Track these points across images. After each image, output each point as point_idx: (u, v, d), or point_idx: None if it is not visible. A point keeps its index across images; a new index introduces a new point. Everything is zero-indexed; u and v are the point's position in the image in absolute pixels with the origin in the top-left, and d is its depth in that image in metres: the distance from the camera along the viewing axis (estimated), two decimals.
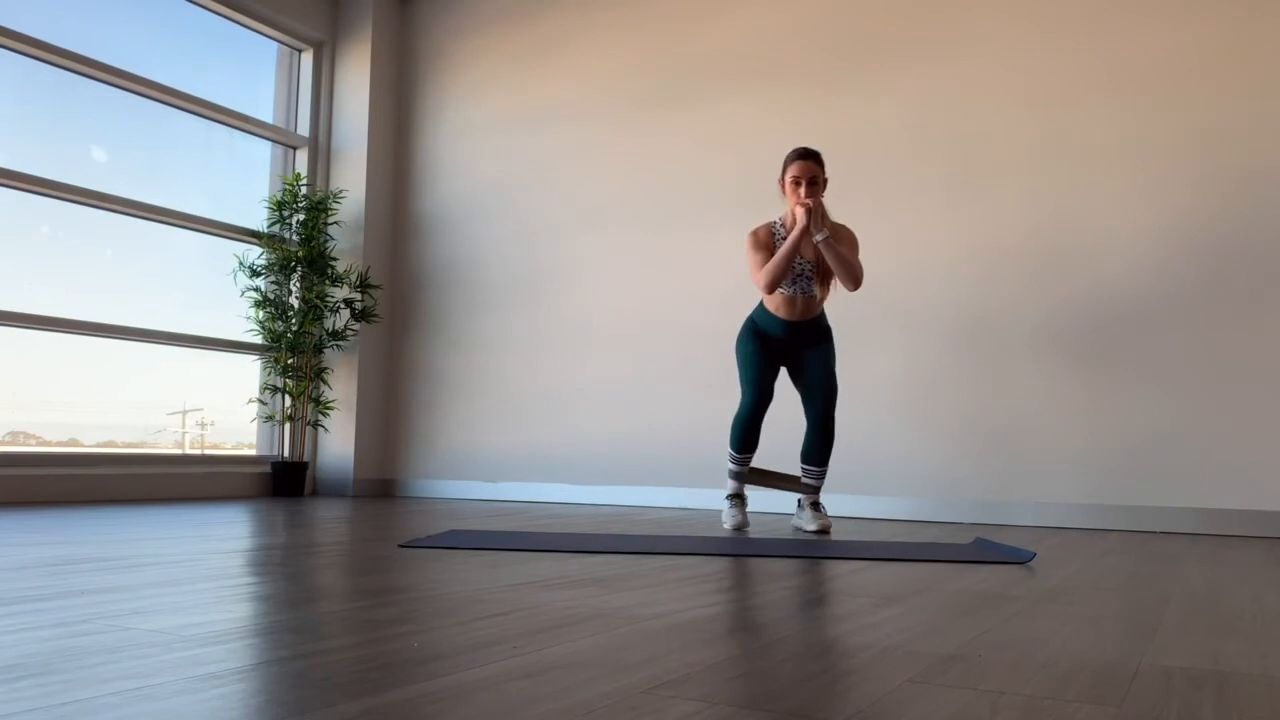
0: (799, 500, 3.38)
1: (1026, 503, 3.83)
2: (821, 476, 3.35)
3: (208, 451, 5.09)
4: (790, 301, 3.32)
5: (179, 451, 5.00)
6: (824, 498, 4.18)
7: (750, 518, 3.97)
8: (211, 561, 2.12)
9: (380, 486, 5.44)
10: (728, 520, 3.35)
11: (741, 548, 2.56)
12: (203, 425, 5.11)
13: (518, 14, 5.32)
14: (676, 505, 4.56)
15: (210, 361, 5.10)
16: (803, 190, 3.23)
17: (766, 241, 3.33)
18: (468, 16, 5.50)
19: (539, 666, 1.12)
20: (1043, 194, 3.92)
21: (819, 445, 3.31)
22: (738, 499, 3.41)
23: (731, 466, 3.41)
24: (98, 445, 4.71)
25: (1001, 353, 3.94)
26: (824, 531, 3.20)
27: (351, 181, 5.48)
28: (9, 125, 4.32)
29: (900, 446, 4.10)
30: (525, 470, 5.01)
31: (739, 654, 1.22)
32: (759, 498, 4.38)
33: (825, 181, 3.29)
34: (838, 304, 4.28)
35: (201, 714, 0.90)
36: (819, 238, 3.19)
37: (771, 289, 3.26)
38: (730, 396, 4.48)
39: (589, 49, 5.06)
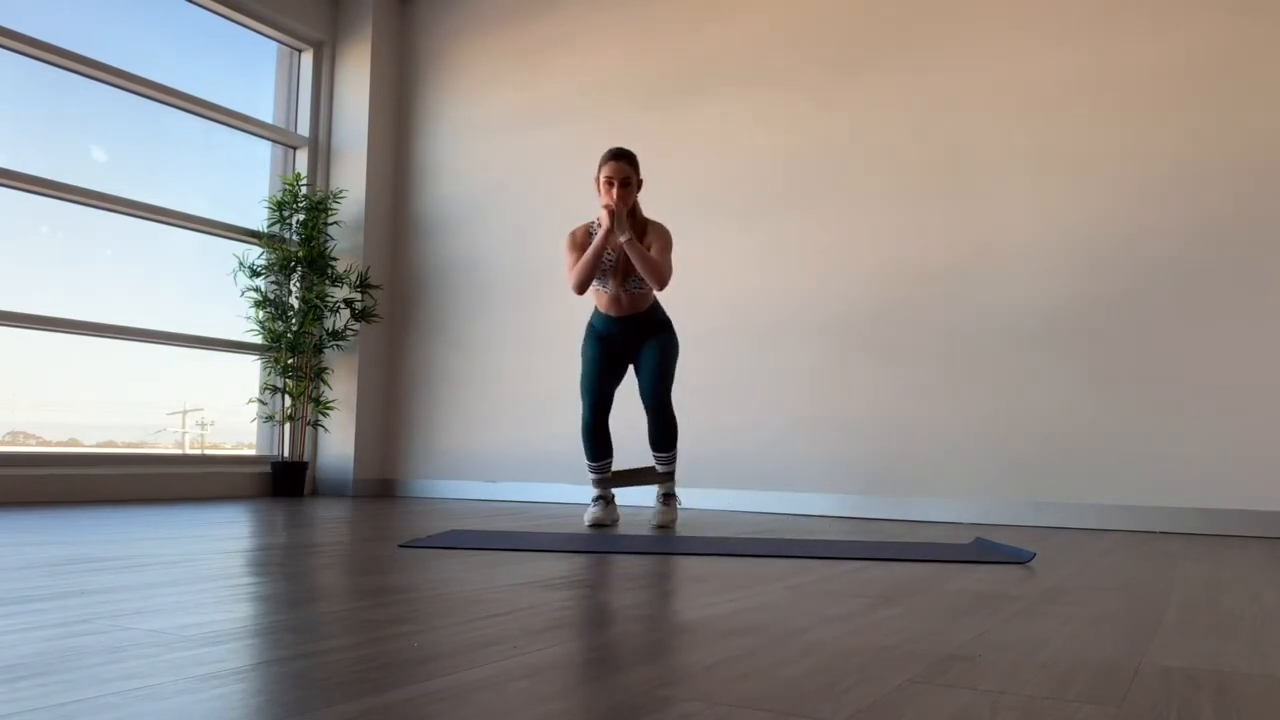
0: (659, 493, 3.48)
1: (1026, 503, 3.83)
2: (669, 462, 3.44)
3: (208, 451, 5.10)
4: (615, 299, 3.41)
5: (179, 451, 5.00)
6: (826, 497, 4.18)
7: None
8: (211, 561, 2.12)
9: (380, 486, 5.43)
10: (588, 517, 3.41)
11: (741, 548, 2.57)
12: (203, 425, 5.11)
13: (518, 14, 5.32)
14: None
15: (210, 361, 5.10)
16: (615, 191, 3.28)
17: (582, 242, 3.41)
18: (468, 16, 5.50)
19: (539, 666, 1.12)
20: (1049, 191, 3.91)
21: (657, 432, 3.41)
22: (602, 499, 3.50)
23: (591, 475, 3.50)
24: (98, 445, 4.71)
25: (1000, 351, 3.94)
26: (667, 527, 3.27)
27: (351, 181, 5.48)
28: (9, 125, 4.32)
29: (899, 446, 4.10)
30: (525, 470, 5.01)
31: (739, 654, 1.22)
32: (756, 499, 4.37)
33: (640, 183, 3.35)
34: (836, 303, 4.28)
35: (201, 714, 0.90)
36: (622, 239, 3.25)
37: (581, 289, 3.33)
38: (728, 396, 4.48)
39: (589, 49, 5.06)
